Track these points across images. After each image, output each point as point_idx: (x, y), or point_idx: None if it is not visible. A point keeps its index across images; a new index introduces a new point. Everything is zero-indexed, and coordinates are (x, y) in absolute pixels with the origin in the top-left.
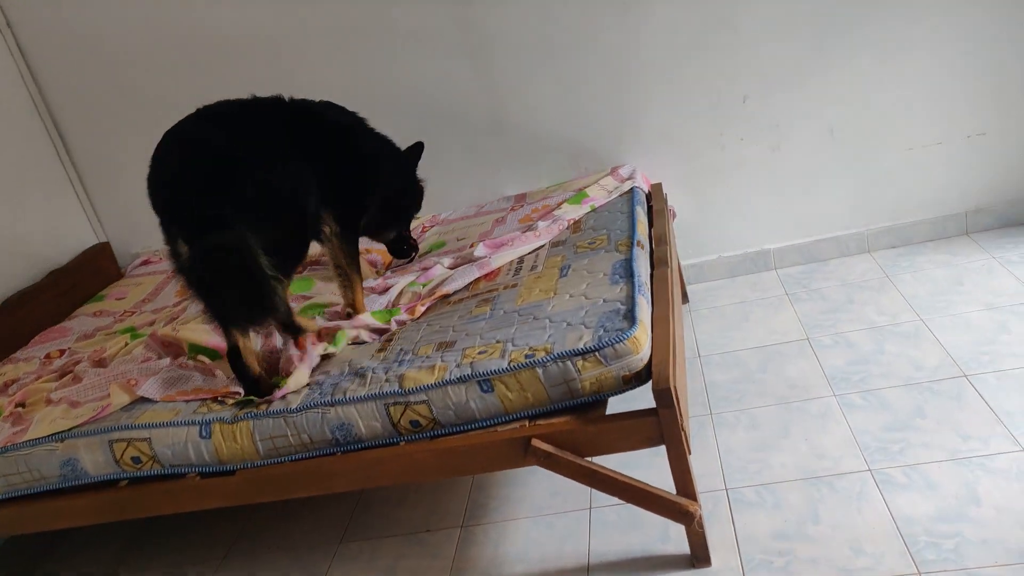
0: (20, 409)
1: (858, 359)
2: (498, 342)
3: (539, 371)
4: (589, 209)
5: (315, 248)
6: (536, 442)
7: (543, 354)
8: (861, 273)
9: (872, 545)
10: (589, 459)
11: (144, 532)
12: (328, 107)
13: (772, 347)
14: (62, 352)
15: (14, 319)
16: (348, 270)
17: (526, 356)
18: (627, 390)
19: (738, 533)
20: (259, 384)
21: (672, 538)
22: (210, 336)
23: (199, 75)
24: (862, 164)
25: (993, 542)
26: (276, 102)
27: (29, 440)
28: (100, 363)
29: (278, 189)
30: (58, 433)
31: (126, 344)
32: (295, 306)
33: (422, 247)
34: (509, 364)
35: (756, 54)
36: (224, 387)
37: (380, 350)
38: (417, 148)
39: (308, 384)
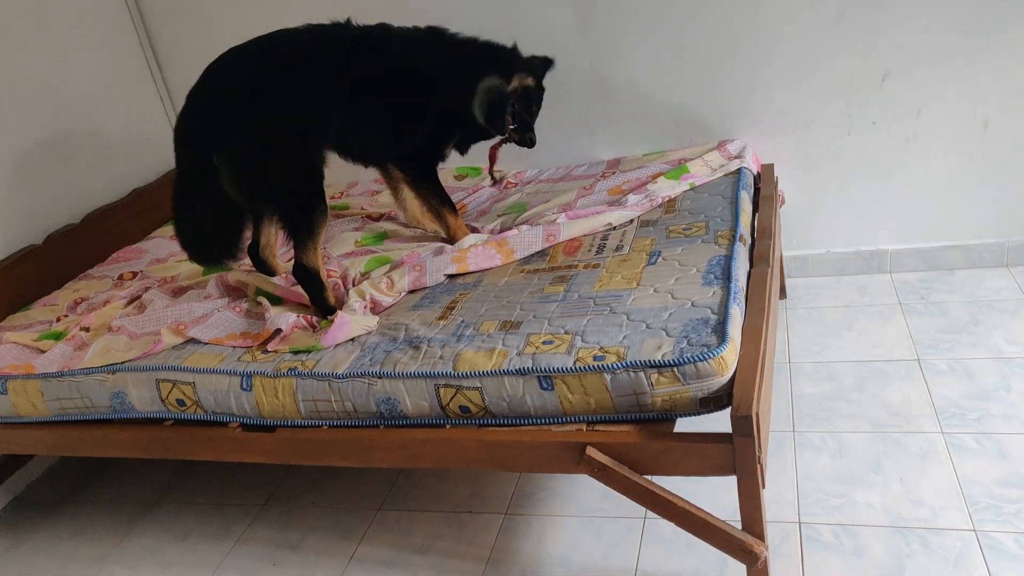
0: (83, 333)
1: (977, 393)
2: (567, 333)
3: (607, 377)
4: (688, 187)
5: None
6: (591, 451)
7: (614, 359)
8: (994, 290)
9: None
10: (648, 477)
11: (191, 465)
12: (384, 37)
13: (874, 364)
14: (135, 274)
15: (94, 234)
16: (431, 204)
17: (595, 358)
18: (702, 413)
19: None
20: (326, 297)
21: (730, 568)
22: (276, 285)
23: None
24: (1015, 167)
25: None
26: (335, 38)
27: (84, 368)
28: (174, 292)
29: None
30: (109, 365)
31: (204, 274)
32: (358, 259)
33: (502, 205)
34: (575, 364)
35: (903, 28)
36: (267, 330)
37: (440, 317)
38: (546, 61)
39: (360, 344)
